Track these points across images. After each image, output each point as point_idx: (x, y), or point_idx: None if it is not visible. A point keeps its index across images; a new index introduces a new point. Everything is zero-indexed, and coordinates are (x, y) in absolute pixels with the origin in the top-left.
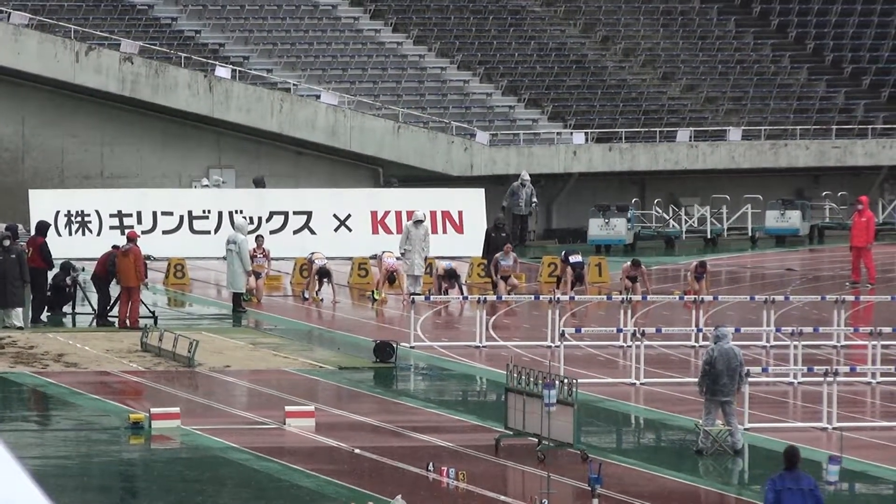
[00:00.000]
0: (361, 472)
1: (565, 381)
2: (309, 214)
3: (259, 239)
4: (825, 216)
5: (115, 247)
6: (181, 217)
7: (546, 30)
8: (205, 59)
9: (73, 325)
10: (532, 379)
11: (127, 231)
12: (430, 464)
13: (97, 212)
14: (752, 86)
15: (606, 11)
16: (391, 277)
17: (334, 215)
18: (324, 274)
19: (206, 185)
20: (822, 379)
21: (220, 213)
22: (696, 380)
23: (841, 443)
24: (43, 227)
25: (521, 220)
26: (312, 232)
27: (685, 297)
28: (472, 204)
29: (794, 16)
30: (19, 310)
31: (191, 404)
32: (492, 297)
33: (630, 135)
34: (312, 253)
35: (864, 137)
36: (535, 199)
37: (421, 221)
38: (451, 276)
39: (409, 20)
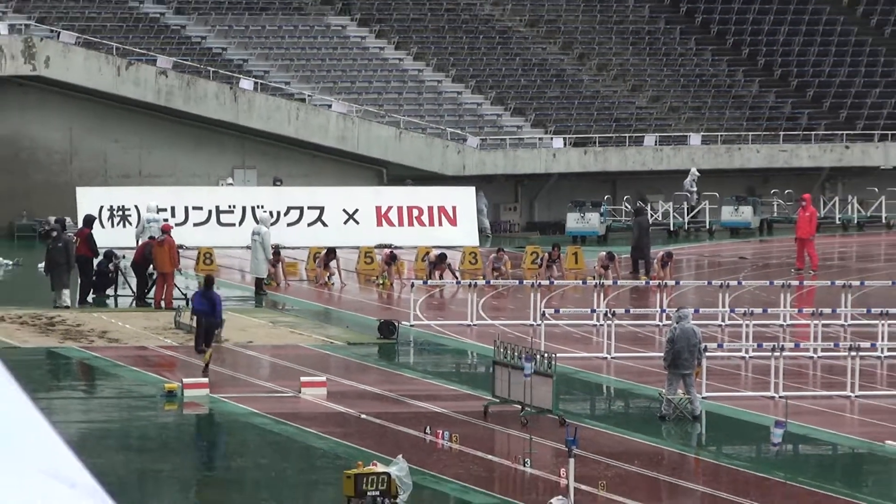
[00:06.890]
0: (367, 434)
1: (545, 355)
2: (321, 209)
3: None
4: (773, 211)
5: (151, 238)
6: (210, 211)
7: (530, 48)
8: (230, 73)
9: (115, 305)
10: (516, 353)
11: (162, 223)
12: (427, 427)
13: (136, 206)
14: (710, 97)
15: (583, 31)
16: (388, 262)
17: (344, 210)
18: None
19: (231, 184)
20: (770, 354)
21: (243, 208)
22: (661, 354)
23: (786, 409)
24: (89, 220)
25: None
26: (325, 224)
27: (651, 282)
28: (464, 200)
29: (747, 35)
30: (67, 291)
31: (218, 375)
32: (482, 282)
33: (603, 140)
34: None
35: (808, 142)
36: (692, 190)
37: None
38: (441, 261)
39: (410, 39)
